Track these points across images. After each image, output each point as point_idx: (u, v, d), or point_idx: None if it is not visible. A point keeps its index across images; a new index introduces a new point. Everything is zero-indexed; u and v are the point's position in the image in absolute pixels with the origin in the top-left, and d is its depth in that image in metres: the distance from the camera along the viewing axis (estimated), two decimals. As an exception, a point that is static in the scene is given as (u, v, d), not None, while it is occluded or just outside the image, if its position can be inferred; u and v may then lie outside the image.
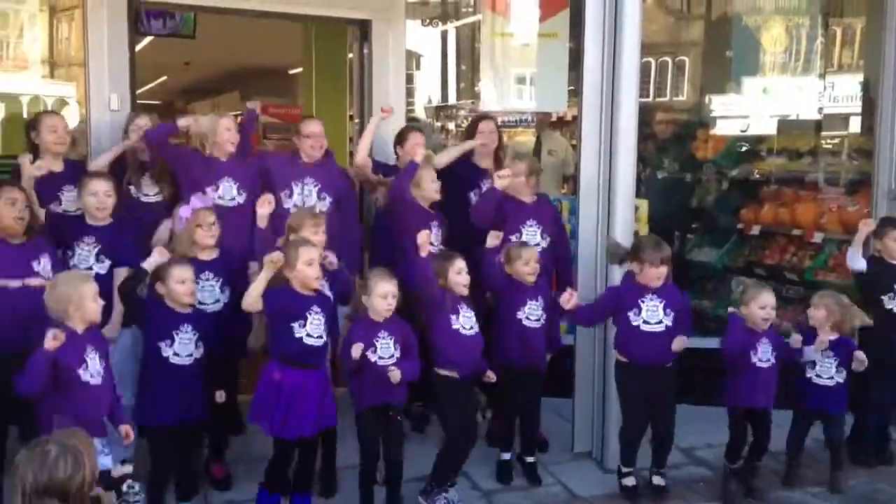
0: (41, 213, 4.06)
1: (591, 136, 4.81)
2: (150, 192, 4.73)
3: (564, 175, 7.26)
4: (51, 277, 3.78)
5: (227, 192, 4.66)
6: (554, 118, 8.29)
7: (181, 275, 3.89)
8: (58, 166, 4.53)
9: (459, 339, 4.24)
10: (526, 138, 9.53)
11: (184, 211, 4.24)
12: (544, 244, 4.91)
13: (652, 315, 4.40)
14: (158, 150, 4.64)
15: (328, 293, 4.22)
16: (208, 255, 4.27)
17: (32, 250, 3.87)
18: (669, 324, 4.41)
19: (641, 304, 4.40)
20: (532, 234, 4.89)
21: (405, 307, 4.16)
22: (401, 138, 5.36)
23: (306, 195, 4.86)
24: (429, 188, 4.90)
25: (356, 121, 6.34)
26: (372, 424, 4.10)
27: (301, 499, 4.12)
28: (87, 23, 5.04)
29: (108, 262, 4.19)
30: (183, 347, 3.89)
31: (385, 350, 4.03)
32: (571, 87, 6.25)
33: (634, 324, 4.41)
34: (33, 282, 3.79)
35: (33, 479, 2.32)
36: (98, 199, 4.19)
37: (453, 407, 4.27)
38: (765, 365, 4.45)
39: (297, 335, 3.89)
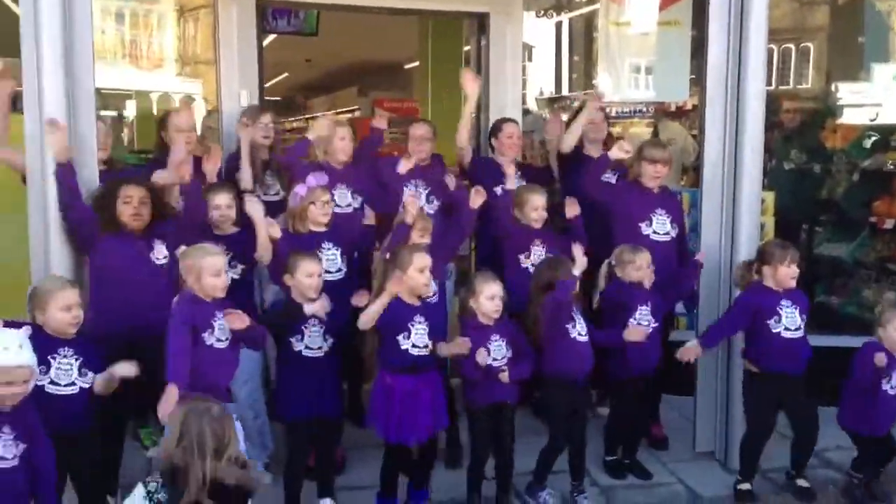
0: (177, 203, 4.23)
1: (715, 126, 4.67)
2: (270, 191, 4.81)
3: (683, 165, 7.10)
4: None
5: (342, 198, 4.73)
6: (672, 108, 8.12)
7: (310, 268, 3.96)
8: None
9: (576, 346, 4.21)
10: (640, 129, 9.35)
11: (300, 188, 4.36)
12: (673, 234, 4.82)
13: (791, 321, 4.30)
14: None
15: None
16: (325, 229, 4.37)
17: (148, 240, 4.01)
18: (804, 328, 4.32)
19: (780, 311, 4.30)
20: (661, 223, 4.80)
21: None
22: (495, 129, 5.34)
23: (416, 197, 4.85)
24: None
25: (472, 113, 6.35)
26: (485, 425, 4.12)
27: (417, 494, 4.17)
28: (218, 21, 5.19)
29: (240, 267, 4.28)
30: (312, 341, 3.97)
31: (498, 352, 4.04)
32: (693, 76, 6.10)
33: (776, 331, 4.30)
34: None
35: (212, 434, 2.55)
36: (221, 211, 4.29)
37: (560, 410, 4.26)
38: (894, 392, 4.23)
39: (403, 347, 3.90)
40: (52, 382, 3.37)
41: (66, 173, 3.75)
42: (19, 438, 3.10)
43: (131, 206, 3.95)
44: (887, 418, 4.27)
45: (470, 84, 5.19)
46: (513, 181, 4.99)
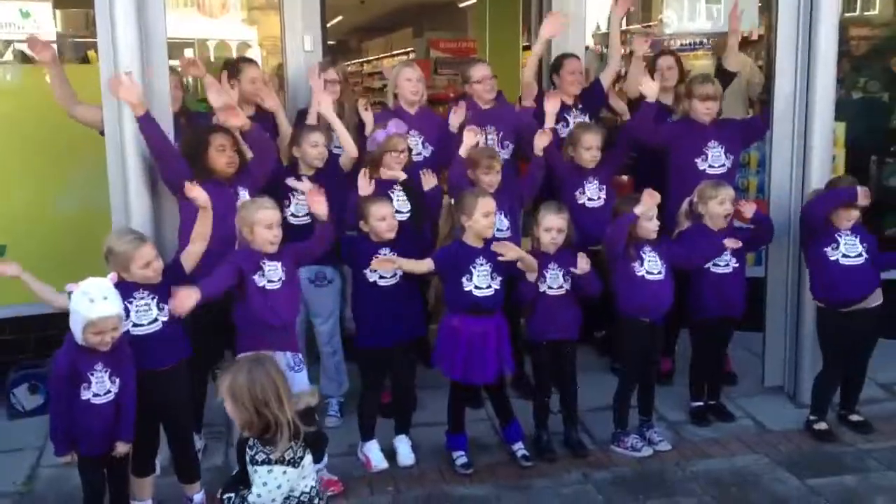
0: (247, 151, 4.24)
1: (786, 55, 4.60)
2: (339, 145, 4.69)
3: (750, 98, 6.93)
4: None
5: (413, 146, 4.67)
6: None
7: (381, 212, 4.03)
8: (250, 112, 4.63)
9: (645, 285, 4.19)
10: (705, 62, 9.12)
11: (379, 135, 4.39)
12: (728, 164, 4.79)
13: (851, 248, 4.25)
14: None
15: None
16: (398, 175, 4.39)
17: (234, 186, 4.08)
18: (867, 256, 4.26)
19: (839, 238, 4.26)
20: (716, 155, 4.77)
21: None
22: (556, 65, 5.23)
23: (489, 143, 4.84)
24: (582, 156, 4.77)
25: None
26: (545, 360, 4.21)
27: (509, 427, 4.26)
28: (282, -37, 5.15)
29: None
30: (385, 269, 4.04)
31: (554, 280, 4.12)
32: (760, 4, 5.95)
33: (833, 258, 4.25)
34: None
35: (279, 381, 2.66)
36: (318, 150, 4.33)
37: (631, 349, 4.30)
38: None
39: (466, 288, 3.98)
40: (134, 325, 3.48)
41: (148, 124, 3.82)
42: (115, 375, 3.31)
43: (226, 153, 4.03)
44: None
45: (552, 27, 5.02)
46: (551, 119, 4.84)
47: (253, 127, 4.15)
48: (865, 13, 9.58)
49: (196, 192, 3.63)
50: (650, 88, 4.68)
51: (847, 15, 9.51)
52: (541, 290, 4.11)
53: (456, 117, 4.71)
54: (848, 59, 6.70)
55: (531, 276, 4.05)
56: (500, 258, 3.93)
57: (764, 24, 5.53)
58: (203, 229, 3.65)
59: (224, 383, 2.68)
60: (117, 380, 3.33)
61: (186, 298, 3.44)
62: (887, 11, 8.21)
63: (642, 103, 4.77)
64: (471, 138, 4.45)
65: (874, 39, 7.16)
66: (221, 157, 4.03)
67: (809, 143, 4.57)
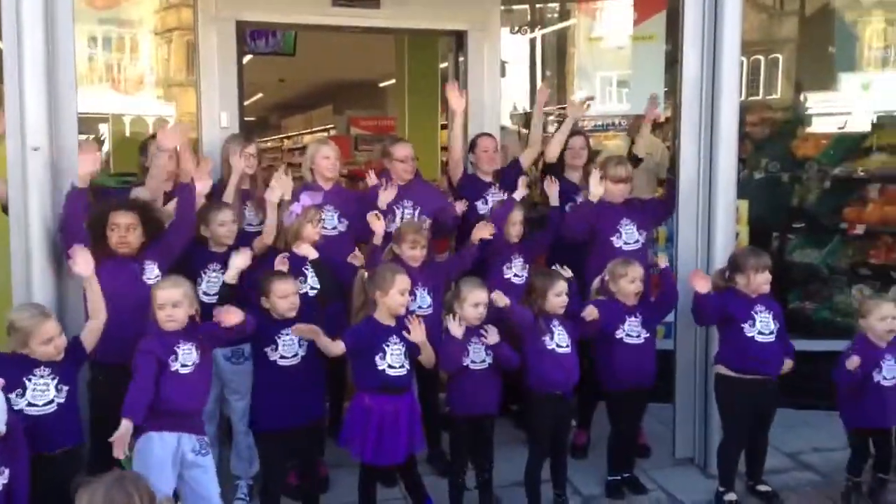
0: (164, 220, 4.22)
1: (690, 138, 4.77)
2: (253, 222, 4.76)
3: (658, 178, 7.19)
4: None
5: (329, 220, 4.75)
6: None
7: (284, 289, 3.96)
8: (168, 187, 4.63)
9: (555, 358, 4.23)
10: (617, 143, 9.47)
11: (295, 207, 4.42)
12: (641, 240, 4.96)
13: (765, 326, 4.37)
14: None
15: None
16: (310, 252, 4.41)
17: (140, 262, 4.03)
18: (776, 332, 4.39)
19: (755, 315, 4.37)
20: (629, 232, 4.93)
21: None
22: (472, 145, 5.43)
23: (406, 217, 4.94)
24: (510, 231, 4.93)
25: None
26: (463, 434, 4.19)
27: None
28: (199, 43, 5.19)
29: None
30: (287, 349, 3.96)
31: (476, 355, 4.12)
32: (666, 89, 6.23)
33: (749, 335, 4.36)
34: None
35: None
36: (227, 227, 4.34)
37: (541, 422, 4.30)
38: (890, 383, 4.25)
39: (380, 367, 3.92)
40: (29, 404, 3.36)
41: (77, 197, 3.80)
42: (4, 464, 3.12)
43: (117, 233, 3.98)
44: (890, 410, 4.28)
45: (455, 99, 5.28)
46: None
47: (188, 188, 4.19)
48: (768, 97, 10.10)
49: (77, 263, 3.57)
50: (598, 191, 4.87)
51: (750, 98, 10.04)
52: (464, 363, 4.09)
53: (385, 196, 4.80)
54: (751, 141, 7.02)
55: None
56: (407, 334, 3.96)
57: (670, 107, 5.77)
58: (94, 304, 3.60)
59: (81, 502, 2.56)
60: (6, 470, 3.13)
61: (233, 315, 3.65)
62: (788, 95, 8.68)
63: (583, 201, 4.96)
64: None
65: (776, 122, 7.51)
66: (112, 236, 3.99)
67: (713, 219, 4.73)
